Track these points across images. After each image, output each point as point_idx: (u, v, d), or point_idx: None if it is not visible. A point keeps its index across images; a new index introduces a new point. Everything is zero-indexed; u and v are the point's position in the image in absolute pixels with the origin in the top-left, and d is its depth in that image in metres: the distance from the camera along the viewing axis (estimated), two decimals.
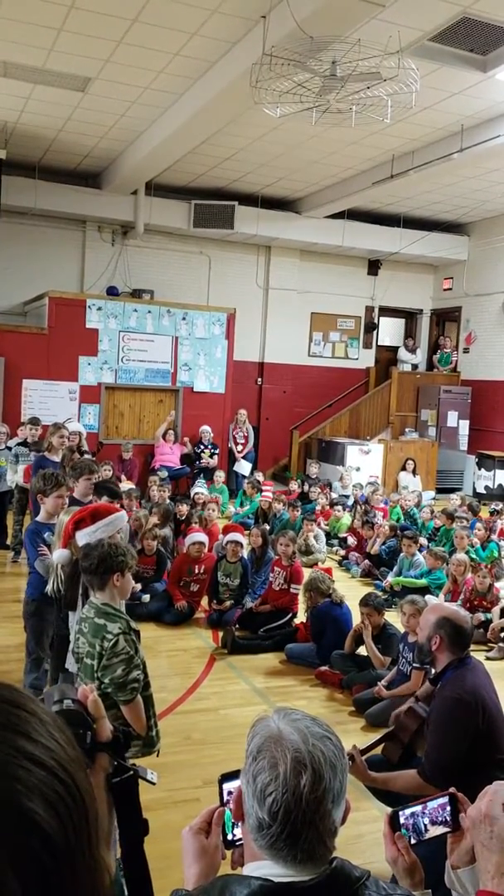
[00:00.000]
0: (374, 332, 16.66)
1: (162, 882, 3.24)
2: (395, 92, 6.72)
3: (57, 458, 7.29)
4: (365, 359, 16.59)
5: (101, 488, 6.07)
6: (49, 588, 4.28)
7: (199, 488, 10.35)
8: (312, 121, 7.48)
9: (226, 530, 7.98)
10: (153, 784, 3.04)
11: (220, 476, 12.07)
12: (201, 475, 11.87)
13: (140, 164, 11.52)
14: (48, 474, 5.04)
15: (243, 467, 13.19)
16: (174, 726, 4.92)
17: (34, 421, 9.20)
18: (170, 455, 12.60)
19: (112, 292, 13.55)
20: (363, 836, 3.81)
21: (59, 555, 4.06)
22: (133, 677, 3.10)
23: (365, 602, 5.91)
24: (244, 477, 12.46)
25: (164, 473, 11.61)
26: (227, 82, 8.14)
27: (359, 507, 10.66)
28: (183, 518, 9.06)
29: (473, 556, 8.85)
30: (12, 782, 0.61)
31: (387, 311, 16.82)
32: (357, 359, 16.49)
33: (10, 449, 9.09)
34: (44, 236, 13.42)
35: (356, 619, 6.14)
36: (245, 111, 8.96)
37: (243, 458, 13.44)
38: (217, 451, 12.93)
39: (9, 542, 8.95)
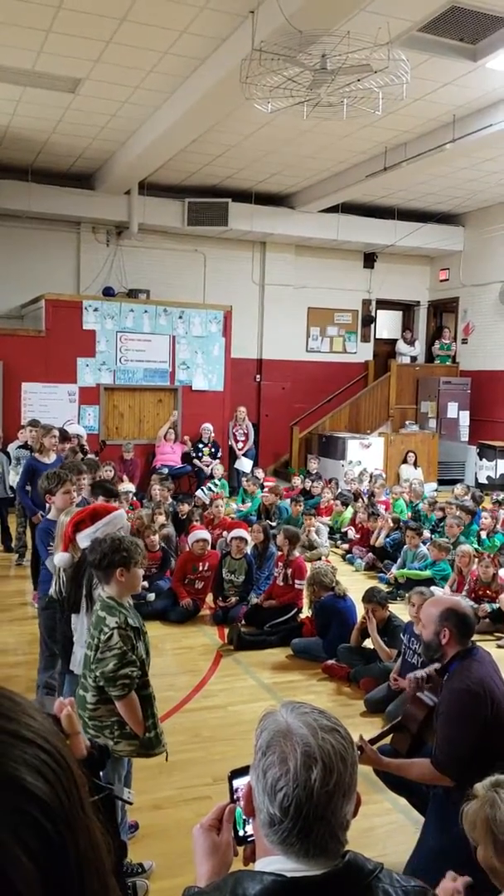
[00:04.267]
0: (372, 326, 16.64)
1: (174, 880, 3.27)
2: (386, 84, 6.70)
3: (48, 460, 7.27)
4: (363, 352, 16.57)
5: (97, 487, 6.08)
6: (52, 590, 4.28)
7: (200, 494, 10.45)
8: (304, 115, 7.47)
9: (230, 527, 7.99)
10: (130, 804, 3.05)
11: (218, 470, 12.09)
12: (207, 481, 11.84)
13: (133, 164, 11.50)
14: (51, 473, 5.07)
15: (244, 464, 13.20)
16: (183, 724, 4.93)
17: (34, 423, 9.20)
18: (170, 454, 12.61)
19: (108, 293, 13.53)
20: (375, 828, 3.82)
21: (59, 558, 4.06)
22: (124, 673, 3.09)
23: (368, 598, 5.90)
24: (244, 474, 12.47)
25: (165, 472, 11.63)
26: (217, 79, 8.12)
27: (363, 500, 10.66)
28: (185, 517, 9.08)
29: (477, 546, 8.86)
30: None
31: (384, 304, 16.79)
32: (355, 353, 16.47)
33: (7, 454, 9.09)
34: (38, 239, 13.40)
35: (361, 611, 6.13)
36: (236, 108, 8.94)
37: (244, 455, 13.45)
38: (220, 454, 12.91)
39: (13, 544, 8.95)
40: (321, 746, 1.31)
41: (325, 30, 6.67)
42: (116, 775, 3.28)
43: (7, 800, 0.61)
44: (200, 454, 12.82)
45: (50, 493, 4.98)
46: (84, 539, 3.73)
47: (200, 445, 12.90)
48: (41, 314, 12.36)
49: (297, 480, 12.42)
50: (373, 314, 16.56)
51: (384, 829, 3.85)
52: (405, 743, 3.45)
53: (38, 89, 9.26)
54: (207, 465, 12.49)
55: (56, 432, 7.63)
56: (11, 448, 9.33)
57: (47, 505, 5.18)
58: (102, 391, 12.69)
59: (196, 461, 12.73)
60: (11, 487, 8.88)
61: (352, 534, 10.13)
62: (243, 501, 11.45)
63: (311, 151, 11.56)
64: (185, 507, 9.22)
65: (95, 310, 12.62)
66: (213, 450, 12.90)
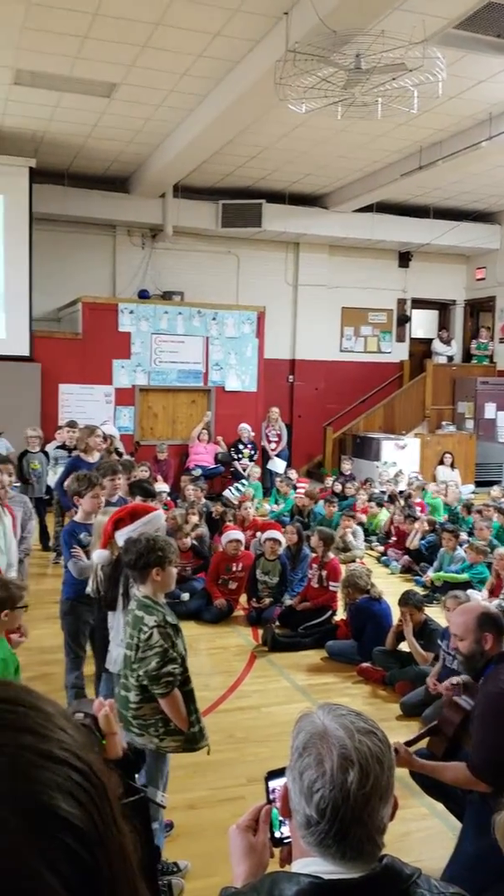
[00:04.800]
0: (407, 325, 16.52)
1: (209, 880, 3.28)
2: (421, 82, 6.66)
3: (92, 460, 7.36)
4: (398, 352, 16.46)
5: (135, 487, 6.12)
6: (89, 588, 4.32)
7: (227, 494, 10.46)
8: (338, 115, 7.45)
9: (263, 528, 7.99)
10: (163, 808, 3.05)
11: (255, 472, 12.07)
12: (240, 482, 11.82)
13: (167, 167, 11.58)
14: (82, 475, 5.09)
15: (277, 465, 13.18)
16: (217, 724, 4.94)
17: (72, 424, 9.31)
18: (203, 455, 12.65)
19: (143, 295, 13.64)
20: (410, 833, 3.79)
21: (98, 555, 4.10)
22: (167, 671, 3.12)
23: (405, 601, 5.86)
24: (278, 475, 12.46)
25: (198, 472, 11.68)
26: (251, 81, 8.14)
27: (399, 501, 10.58)
28: (218, 517, 9.10)
29: None
30: (31, 784, 0.60)
31: (419, 303, 16.66)
32: (390, 352, 16.37)
33: (46, 454, 9.20)
34: (75, 242, 13.55)
35: (396, 614, 6.09)
36: (270, 109, 8.94)
37: (277, 456, 13.44)
38: (256, 455, 12.88)
39: (51, 543, 9.06)
40: (358, 749, 1.30)
41: (360, 29, 6.65)
42: (160, 772, 3.31)
43: (41, 829, 0.59)
44: (240, 455, 12.79)
45: (78, 495, 4.99)
46: (123, 537, 3.76)
47: (240, 446, 12.87)
48: (78, 317, 12.50)
49: (329, 481, 12.37)
50: (408, 313, 16.44)
51: (420, 834, 3.82)
52: (441, 747, 3.41)
53: (74, 94, 9.37)
54: (244, 469, 12.46)
55: (100, 432, 7.72)
56: (49, 448, 9.44)
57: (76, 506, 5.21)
58: (137, 392, 12.80)
59: (236, 463, 12.71)
60: (49, 487, 8.98)
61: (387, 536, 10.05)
62: (276, 502, 11.44)
63: (345, 151, 11.52)
64: (219, 508, 9.25)
65: (131, 312, 12.73)
66: (252, 451, 12.87)
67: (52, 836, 0.59)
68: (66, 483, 5.39)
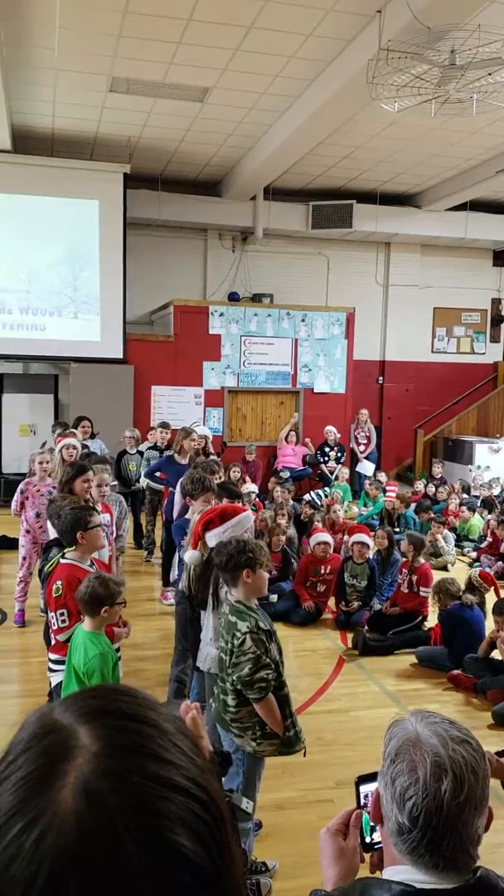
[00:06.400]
0: (502, 326, 16.07)
1: (297, 881, 3.30)
2: None
3: (184, 461, 7.48)
4: (493, 353, 16.04)
5: (222, 489, 6.19)
6: (181, 585, 4.40)
7: (308, 497, 10.42)
8: (431, 113, 7.32)
9: (351, 531, 7.93)
10: (248, 814, 3.08)
11: (343, 473, 11.98)
12: (324, 487, 11.74)
13: (258, 170, 11.65)
14: (197, 479, 5.22)
15: (366, 468, 13.05)
16: (305, 726, 4.89)
17: (164, 425, 9.48)
18: (291, 456, 12.65)
19: (233, 298, 13.77)
20: (503, 845, 3.69)
21: (189, 555, 4.17)
22: (260, 677, 3.13)
23: (499, 610, 5.70)
24: (367, 477, 12.33)
25: (286, 474, 11.67)
26: (343, 81, 8.10)
27: (497, 507, 10.30)
28: (307, 519, 9.08)
29: None
30: (153, 818, 0.57)
31: None
32: (484, 353, 15.97)
33: (141, 454, 9.41)
34: (167, 246, 13.81)
35: (489, 621, 5.94)
36: (362, 108, 8.87)
37: (366, 458, 13.31)
38: (343, 458, 12.78)
39: (143, 542, 9.23)
40: (452, 757, 1.29)
41: (455, 24, 6.52)
42: (257, 774, 3.35)
43: (162, 866, 0.56)
44: (327, 458, 12.73)
45: (192, 497, 5.15)
46: (213, 538, 3.81)
47: (326, 449, 12.82)
48: (170, 320, 12.75)
49: (419, 485, 12.16)
50: (503, 314, 16.00)
51: None
52: None
53: (168, 100, 9.55)
54: (332, 472, 12.38)
55: (195, 435, 7.87)
56: (142, 449, 9.65)
57: (187, 504, 5.36)
58: (226, 394, 12.94)
59: (322, 466, 12.66)
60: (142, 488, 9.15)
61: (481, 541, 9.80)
62: (365, 505, 11.33)
63: (438, 149, 11.31)
64: (307, 510, 9.23)
65: (221, 315, 12.89)
66: (339, 454, 12.79)
67: (172, 873, 0.57)
68: (181, 481, 5.54)
